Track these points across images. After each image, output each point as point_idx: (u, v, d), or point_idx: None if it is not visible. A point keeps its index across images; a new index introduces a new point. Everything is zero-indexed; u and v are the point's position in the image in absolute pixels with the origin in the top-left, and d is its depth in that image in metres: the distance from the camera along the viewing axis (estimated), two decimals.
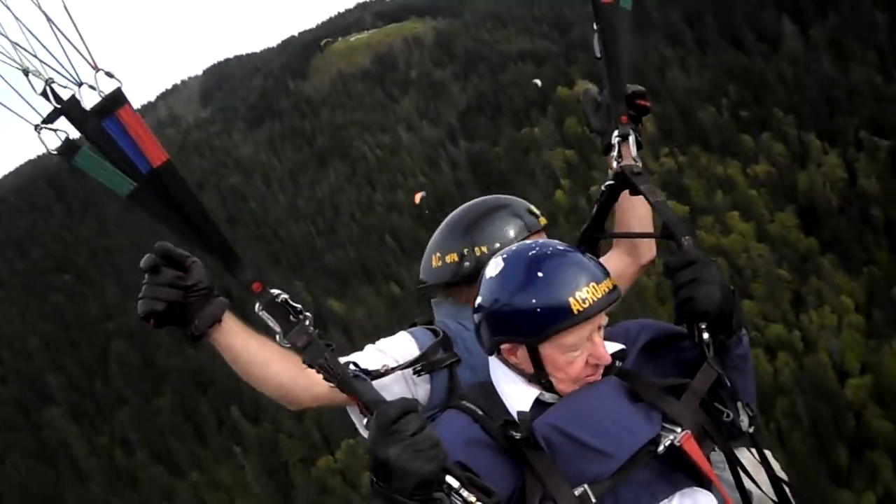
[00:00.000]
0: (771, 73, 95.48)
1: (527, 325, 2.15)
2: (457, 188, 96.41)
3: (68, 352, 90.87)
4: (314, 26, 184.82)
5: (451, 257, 2.83)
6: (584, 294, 2.12)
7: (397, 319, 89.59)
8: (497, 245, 2.75)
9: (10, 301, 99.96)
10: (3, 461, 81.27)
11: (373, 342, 2.76)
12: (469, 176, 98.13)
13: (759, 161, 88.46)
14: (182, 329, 2.28)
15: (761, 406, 66.89)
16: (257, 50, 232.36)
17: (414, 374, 2.58)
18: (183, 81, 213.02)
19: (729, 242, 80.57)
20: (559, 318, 2.11)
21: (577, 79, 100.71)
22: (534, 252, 2.22)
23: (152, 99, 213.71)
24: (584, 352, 2.18)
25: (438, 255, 2.87)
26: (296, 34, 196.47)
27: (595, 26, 2.64)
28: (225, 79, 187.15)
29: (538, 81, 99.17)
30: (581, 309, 2.11)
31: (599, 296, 2.14)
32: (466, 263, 2.79)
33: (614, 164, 2.68)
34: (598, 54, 2.67)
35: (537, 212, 2.91)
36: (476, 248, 2.78)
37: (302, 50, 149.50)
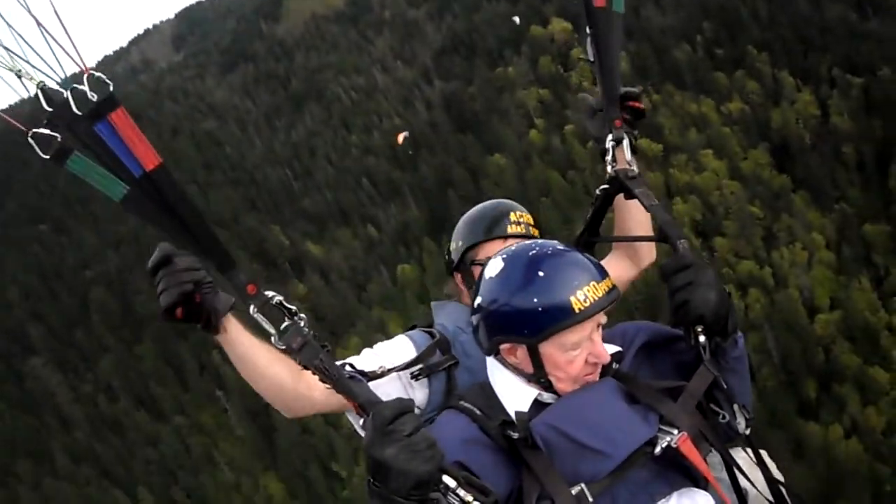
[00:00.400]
0: (746, 10, 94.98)
1: (528, 324, 2.16)
2: (431, 129, 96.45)
3: (48, 302, 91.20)
4: None
5: (447, 249, 3.02)
6: (585, 293, 2.14)
7: (374, 262, 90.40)
8: (459, 243, 2.94)
9: None
10: None
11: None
12: (444, 116, 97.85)
13: (732, 99, 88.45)
14: (200, 321, 2.27)
15: None
16: None
17: (412, 377, 2.61)
18: (155, 26, 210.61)
19: (702, 180, 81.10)
20: (560, 318, 2.13)
21: (551, 17, 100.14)
22: (534, 252, 2.23)
23: (124, 44, 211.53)
24: (584, 351, 2.21)
25: (448, 247, 3.03)
26: None
27: (588, 30, 2.65)
28: (197, 23, 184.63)
29: (517, 19, 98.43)
30: (582, 308, 2.13)
31: (600, 295, 2.16)
32: (447, 256, 3.00)
33: (608, 159, 2.71)
34: (591, 58, 2.69)
35: (518, 219, 2.96)
36: (453, 243, 2.96)
37: None
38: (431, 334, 2.75)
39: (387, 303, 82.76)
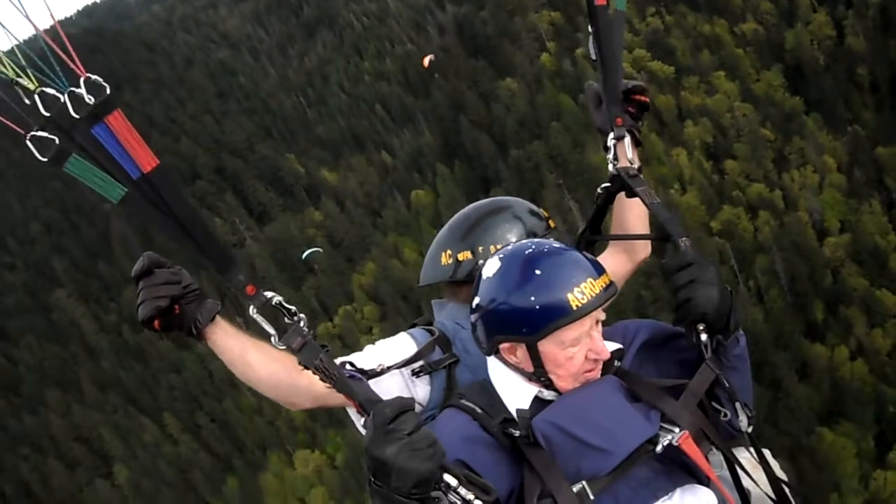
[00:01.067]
0: None
1: (526, 323, 2.16)
2: (444, 54, 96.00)
3: (70, 235, 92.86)
4: None
5: (464, 255, 2.87)
6: (582, 290, 2.14)
7: (388, 188, 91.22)
8: (469, 256, 2.85)
9: (11, 190, 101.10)
10: (18, 343, 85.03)
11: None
12: (456, 40, 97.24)
13: (746, 20, 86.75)
14: (182, 331, 2.33)
15: (741, 264, 68.60)
16: None
17: (413, 375, 2.61)
18: None
19: (713, 102, 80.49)
20: (558, 315, 2.13)
21: None
22: (530, 251, 2.24)
23: None
24: (583, 347, 2.20)
25: (449, 252, 2.90)
26: None
27: (590, 28, 2.63)
28: None
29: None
30: (580, 305, 2.13)
31: (597, 291, 2.16)
32: (481, 261, 2.75)
33: (609, 157, 2.72)
34: (594, 56, 2.68)
35: (542, 212, 2.97)
36: (492, 247, 2.82)
37: None
38: (431, 332, 2.75)
39: (401, 228, 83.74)
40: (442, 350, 2.68)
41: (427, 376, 2.64)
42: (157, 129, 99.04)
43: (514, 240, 2.74)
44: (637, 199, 2.69)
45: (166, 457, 74.25)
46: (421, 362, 2.62)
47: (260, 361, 2.45)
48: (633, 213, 2.90)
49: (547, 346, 2.18)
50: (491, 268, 2.27)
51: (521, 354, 2.22)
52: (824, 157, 75.31)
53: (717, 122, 79.36)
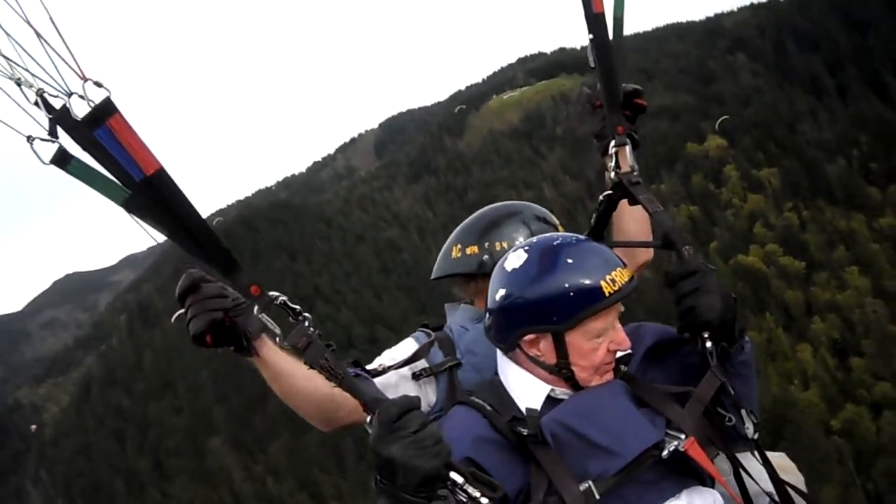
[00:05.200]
0: None
1: (557, 310, 2.18)
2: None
3: (233, 386, 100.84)
4: (480, 80, 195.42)
5: (472, 250, 2.90)
6: (613, 278, 2.18)
7: None
8: (518, 242, 2.76)
9: (186, 338, 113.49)
10: (173, 482, 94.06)
11: None
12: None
13: (884, 214, 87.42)
14: (232, 345, 2.34)
15: (858, 466, 66.95)
16: (428, 104, 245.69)
17: (413, 378, 2.65)
18: (360, 134, 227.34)
19: (843, 298, 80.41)
20: (591, 301, 2.16)
21: (707, 133, 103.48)
22: (558, 242, 2.28)
23: (331, 151, 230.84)
24: (607, 339, 2.23)
25: (459, 246, 2.94)
26: (463, 88, 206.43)
27: (588, 35, 2.56)
28: (398, 131, 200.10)
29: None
30: (612, 291, 2.16)
31: (626, 280, 2.20)
32: (486, 257, 2.87)
33: (611, 165, 2.65)
34: (593, 64, 2.63)
35: (553, 220, 3.03)
36: (497, 244, 2.88)
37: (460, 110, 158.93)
38: (429, 333, 2.81)
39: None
40: (444, 353, 2.71)
41: (432, 377, 2.67)
42: (321, 298, 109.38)
43: (521, 240, 2.77)
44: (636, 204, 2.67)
45: None
46: (423, 365, 2.66)
47: (305, 375, 2.42)
48: (631, 217, 2.83)
49: (574, 337, 2.21)
50: (516, 260, 2.28)
51: (544, 346, 2.25)
52: None
53: (846, 318, 79.16)
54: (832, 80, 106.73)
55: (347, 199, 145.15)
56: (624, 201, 2.70)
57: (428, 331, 2.87)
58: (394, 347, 2.78)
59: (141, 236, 2.12)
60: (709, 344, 2.28)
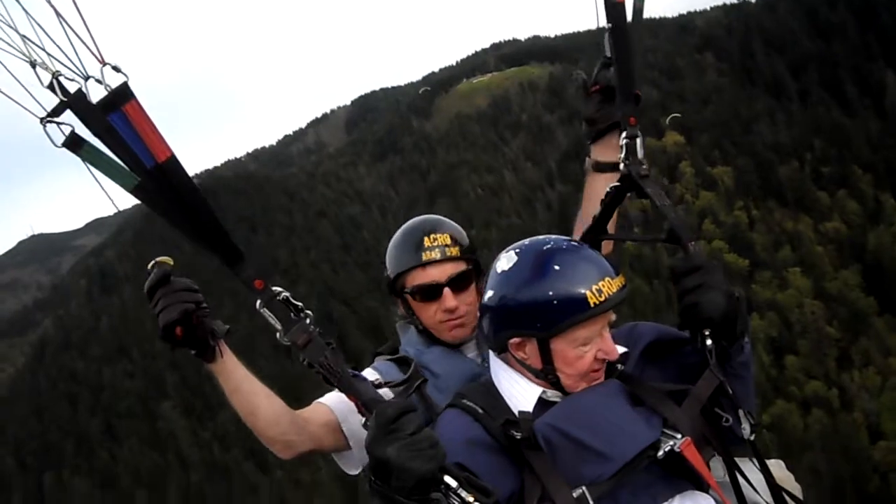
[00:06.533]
0: (858, 129, 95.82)
1: (541, 317, 2.15)
2: (545, 231, 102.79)
3: (187, 354, 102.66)
4: (454, 63, 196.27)
5: (387, 272, 2.90)
6: (600, 287, 2.14)
7: None
8: (388, 272, 2.87)
9: (146, 306, 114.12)
10: (122, 444, 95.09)
11: None
12: (556, 220, 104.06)
13: (832, 218, 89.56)
14: (197, 346, 2.33)
15: (785, 461, 68.44)
16: (401, 83, 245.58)
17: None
18: (332, 110, 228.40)
19: (784, 297, 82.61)
20: (575, 311, 2.13)
21: (666, 130, 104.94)
22: (548, 247, 2.24)
23: (303, 125, 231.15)
24: (594, 347, 2.21)
25: (384, 264, 2.94)
26: (436, 70, 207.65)
27: (606, 24, 2.52)
28: (370, 109, 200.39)
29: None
30: (597, 302, 2.13)
31: (614, 290, 2.16)
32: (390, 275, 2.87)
33: (621, 156, 2.51)
34: (609, 53, 2.61)
35: (439, 242, 2.85)
36: (384, 265, 2.89)
37: (424, 91, 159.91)
38: (402, 360, 2.72)
39: None
40: (404, 373, 2.58)
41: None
42: (279, 271, 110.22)
43: (393, 265, 2.84)
44: (602, 184, 2.66)
45: None
46: (404, 385, 2.43)
47: (264, 392, 2.44)
48: (598, 197, 2.67)
49: (559, 344, 2.20)
50: (506, 262, 2.28)
51: (530, 351, 2.24)
52: (890, 360, 75.26)
53: (785, 318, 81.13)
54: (794, 83, 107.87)
55: (313, 174, 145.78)
56: (594, 185, 2.79)
57: (394, 358, 2.81)
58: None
59: (108, 201, 2.03)
60: (709, 342, 2.25)
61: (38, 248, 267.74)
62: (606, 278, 2.18)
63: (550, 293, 2.14)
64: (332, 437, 2.55)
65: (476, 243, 3.14)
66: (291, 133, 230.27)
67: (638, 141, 2.52)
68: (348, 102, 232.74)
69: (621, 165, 2.51)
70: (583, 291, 2.14)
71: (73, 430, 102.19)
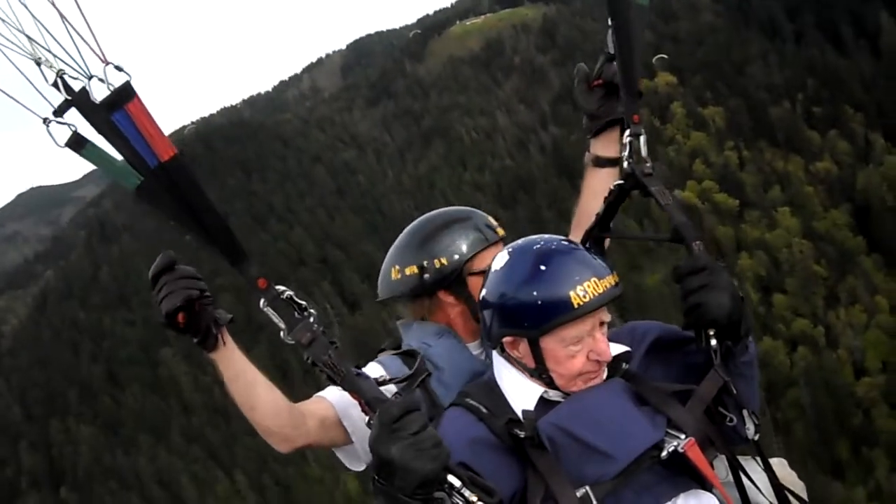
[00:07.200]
0: (852, 70, 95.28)
1: (528, 317, 2.16)
2: (539, 172, 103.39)
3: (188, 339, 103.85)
4: (448, 5, 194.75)
5: (411, 270, 2.78)
6: (585, 288, 2.13)
7: None
8: (456, 257, 2.74)
9: (145, 255, 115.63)
10: (125, 390, 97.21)
11: None
12: (550, 162, 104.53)
13: (822, 158, 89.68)
14: (199, 334, 2.30)
15: (769, 396, 70.21)
16: (396, 27, 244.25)
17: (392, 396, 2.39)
18: (328, 55, 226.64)
19: (772, 237, 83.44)
20: (558, 312, 2.13)
21: (658, 71, 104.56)
22: (538, 246, 2.25)
23: (298, 71, 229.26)
24: (585, 347, 2.20)
25: (397, 267, 2.82)
26: (431, 12, 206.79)
27: (609, 22, 2.57)
28: (365, 54, 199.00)
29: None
30: (581, 303, 2.12)
31: (600, 291, 2.15)
32: (426, 276, 2.75)
33: (625, 154, 2.51)
34: (612, 51, 2.62)
35: (494, 223, 2.91)
36: (436, 260, 2.74)
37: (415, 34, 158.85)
38: (408, 353, 2.70)
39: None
40: (409, 368, 2.61)
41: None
42: (275, 217, 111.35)
43: (463, 250, 2.74)
44: (601, 181, 2.68)
45: None
46: (405, 382, 2.50)
47: (264, 385, 2.44)
48: (597, 197, 2.64)
49: (548, 343, 2.20)
50: (500, 261, 2.30)
51: (523, 349, 2.25)
52: (876, 298, 76.30)
53: (773, 257, 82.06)
54: (790, 25, 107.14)
55: (307, 119, 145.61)
56: (593, 180, 2.80)
57: (399, 352, 2.75)
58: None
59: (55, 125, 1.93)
60: (713, 342, 2.26)
61: (37, 201, 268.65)
62: (593, 279, 2.17)
63: (535, 293, 2.16)
64: (331, 432, 2.53)
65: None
66: (287, 79, 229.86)
67: (642, 139, 2.54)
68: (343, 47, 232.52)
69: (625, 163, 2.52)
70: (566, 292, 2.14)
71: (76, 378, 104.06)
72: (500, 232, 2.88)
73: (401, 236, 2.93)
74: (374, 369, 2.63)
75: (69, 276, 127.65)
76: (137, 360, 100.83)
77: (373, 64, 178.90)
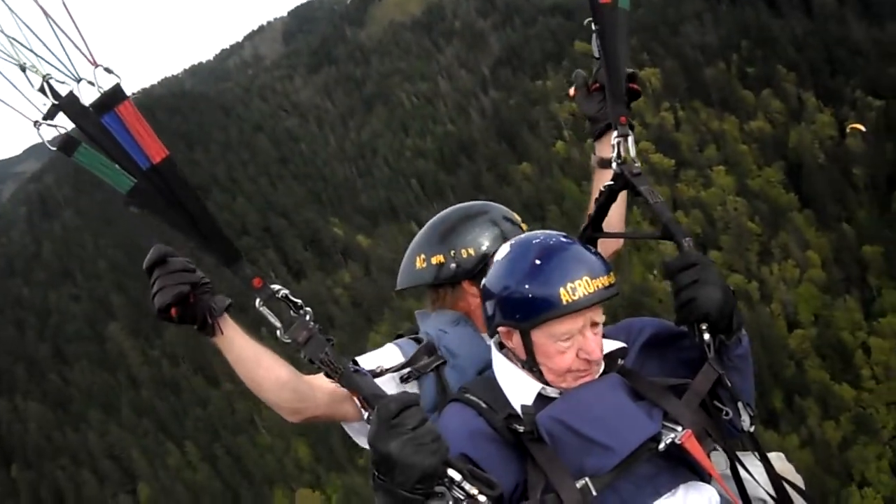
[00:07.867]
0: (785, 30, 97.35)
1: (520, 310, 2.18)
2: (480, 136, 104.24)
3: (131, 275, 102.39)
4: None
5: (437, 259, 2.78)
6: (576, 286, 2.13)
7: None
8: (484, 248, 2.75)
9: (87, 229, 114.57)
10: (73, 367, 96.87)
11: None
12: (490, 125, 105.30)
13: (756, 117, 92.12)
14: (195, 323, 2.24)
15: None
16: None
17: (402, 381, 2.54)
18: (269, 22, 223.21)
19: (707, 195, 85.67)
20: (547, 307, 2.14)
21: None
22: (538, 241, 2.26)
23: (239, 39, 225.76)
24: (575, 344, 2.20)
25: (423, 256, 2.81)
26: None
27: (593, 27, 2.58)
28: (307, 20, 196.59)
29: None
30: (570, 300, 2.12)
31: (592, 290, 2.14)
32: (452, 265, 2.75)
33: (613, 156, 2.55)
34: (597, 54, 2.66)
35: (517, 218, 2.90)
36: (463, 251, 2.75)
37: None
38: (418, 340, 2.70)
39: (420, 295, 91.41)
40: (427, 355, 2.61)
41: (415, 381, 2.57)
42: (218, 187, 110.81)
43: (486, 244, 2.72)
44: (620, 197, 2.67)
45: (185, 481, 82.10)
46: (409, 368, 2.54)
47: (269, 360, 2.39)
48: (613, 211, 2.71)
49: (538, 337, 2.20)
50: (501, 252, 2.32)
51: (515, 340, 2.26)
52: (808, 253, 79.14)
53: (708, 215, 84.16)
54: None
55: (249, 88, 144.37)
56: (601, 181, 2.75)
57: (416, 337, 2.75)
58: (375, 353, 2.67)
59: (48, 128, 1.93)
60: (707, 336, 2.26)
61: None
62: (585, 277, 2.15)
63: (527, 287, 2.17)
64: (343, 405, 2.51)
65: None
66: (228, 47, 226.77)
67: (630, 139, 2.57)
68: (285, 14, 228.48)
69: (613, 164, 2.55)
70: (557, 289, 2.14)
71: (22, 355, 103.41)
72: (524, 227, 2.87)
73: (424, 228, 2.93)
74: (390, 351, 2.67)
75: (10, 254, 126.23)
76: (84, 336, 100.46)
77: (315, 31, 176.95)
